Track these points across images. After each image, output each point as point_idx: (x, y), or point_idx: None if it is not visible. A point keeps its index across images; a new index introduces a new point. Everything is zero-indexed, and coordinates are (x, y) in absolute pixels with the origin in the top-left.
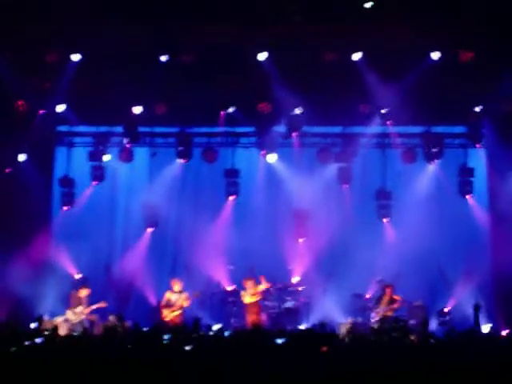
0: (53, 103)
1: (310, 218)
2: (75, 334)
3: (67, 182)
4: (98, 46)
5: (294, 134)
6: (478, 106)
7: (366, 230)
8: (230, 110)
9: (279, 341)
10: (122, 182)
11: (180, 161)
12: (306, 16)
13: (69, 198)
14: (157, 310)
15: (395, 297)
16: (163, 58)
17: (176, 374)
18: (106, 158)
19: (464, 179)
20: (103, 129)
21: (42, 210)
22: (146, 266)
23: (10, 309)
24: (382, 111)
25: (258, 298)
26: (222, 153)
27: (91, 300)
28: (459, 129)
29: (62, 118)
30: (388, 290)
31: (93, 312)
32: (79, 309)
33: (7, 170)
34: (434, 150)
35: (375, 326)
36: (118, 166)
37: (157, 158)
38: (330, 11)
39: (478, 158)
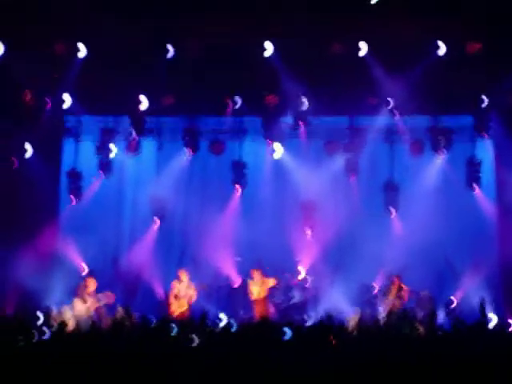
0: (60, 94)
1: (318, 210)
2: (83, 327)
3: (75, 175)
4: (104, 38)
5: (301, 125)
6: (485, 97)
7: (373, 221)
8: (237, 99)
9: (287, 333)
10: (130, 175)
11: (187, 153)
12: (313, 8)
13: (76, 191)
14: (165, 302)
15: (403, 286)
16: (170, 49)
17: (183, 367)
18: (114, 150)
19: (471, 171)
20: (110, 120)
21: (50, 203)
22: (153, 259)
23: (17, 302)
24: (390, 103)
25: (265, 294)
26: (230, 145)
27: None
28: (466, 120)
29: (68, 110)
30: (396, 280)
31: (100, 306)
32: (87, 301)
33: (15, 165)
34: (441, 141)
35: (383, 320)
36: (125, 159)
37: (164, 151)
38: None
39: (485, 151)
